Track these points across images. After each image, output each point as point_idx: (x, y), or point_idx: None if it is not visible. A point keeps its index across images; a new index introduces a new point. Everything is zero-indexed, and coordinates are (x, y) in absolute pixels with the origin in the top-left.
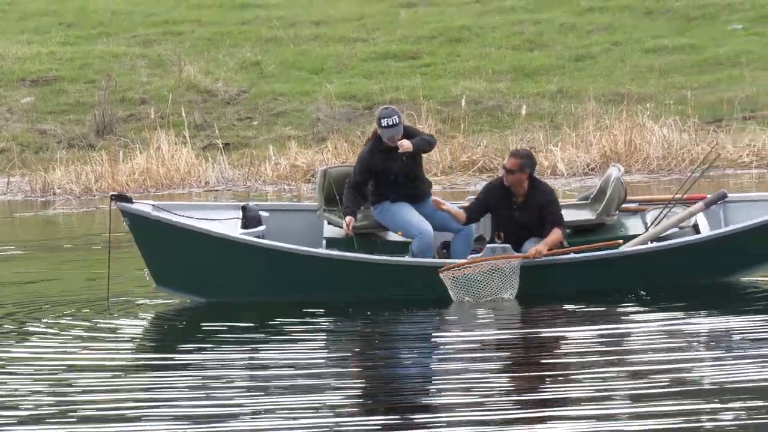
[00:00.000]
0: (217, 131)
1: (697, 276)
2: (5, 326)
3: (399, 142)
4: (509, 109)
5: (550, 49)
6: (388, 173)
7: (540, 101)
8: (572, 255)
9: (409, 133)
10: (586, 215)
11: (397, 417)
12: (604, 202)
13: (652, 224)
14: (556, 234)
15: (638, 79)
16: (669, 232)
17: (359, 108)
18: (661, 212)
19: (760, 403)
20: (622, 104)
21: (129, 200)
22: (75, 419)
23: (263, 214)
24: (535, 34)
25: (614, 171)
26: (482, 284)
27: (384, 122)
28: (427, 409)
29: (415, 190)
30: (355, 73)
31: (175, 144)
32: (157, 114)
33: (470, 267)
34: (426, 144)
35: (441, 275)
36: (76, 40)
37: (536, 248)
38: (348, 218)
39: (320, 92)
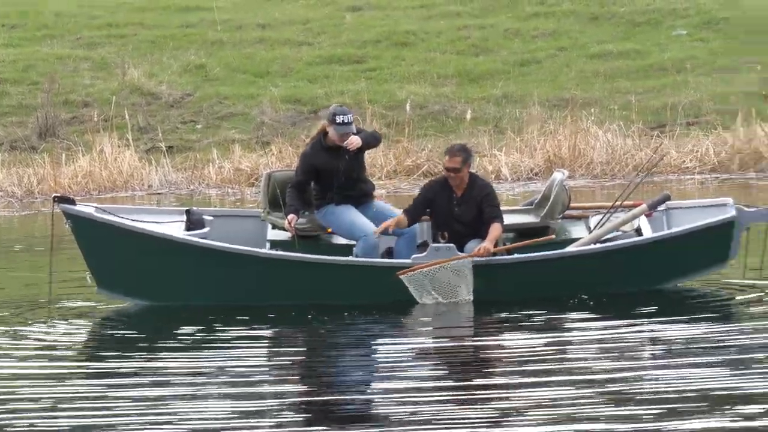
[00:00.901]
0: (160, 134)
1: (638, 280)
2: None
3: (347, 141)
4: (454, 113)
5: (495, 54)
6: (331, 172)
7: (485, 106)
8: (515, 255)
9: (357, 134)
10: (529, 219)
11: (337, 425)
12: (547, 206)
13: (596, 227)
14: (496, 229)
15: (583, 84)
16: (612, 234)
17: (304, 112)
18: (603, 216)
19: (703, 409)
20: (567, 109)
21: (72, 202)
22: (12, 428)
23: (207, 218)
24: (481, 39)
25: (558, 175)
26: (444, 284)
27: (339, 119)
28: (364, 417)
29: (359, 192)
30: (300, 77)
31: (119, 147)
32: (101, 117)
33: (431, 267)
34: (373, 138)
35: (401, 277)
36: (19, 41)
37: (483, 246)
38: (290, 216)
39: (265, 96)
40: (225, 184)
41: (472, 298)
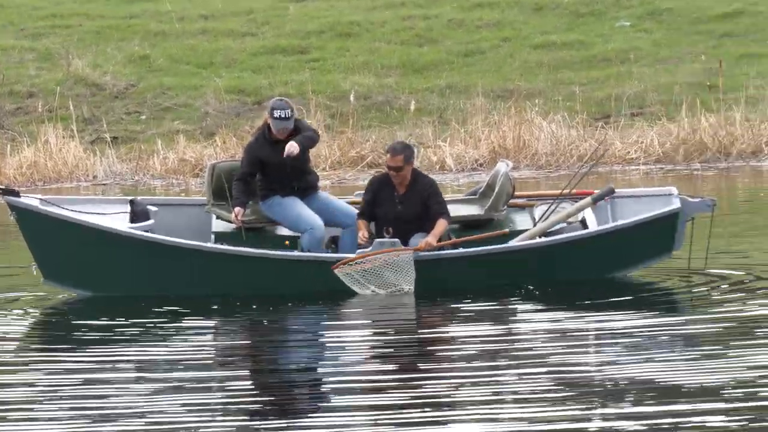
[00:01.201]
0: (105, 125)
1: (584, 272)
2: None
3: (286, 148)
4: (398, 104)
5: (440, 44)
6: (276, 165)
7: (429, 96)
8: (461, 250)
9: (296, 127)
10: (474, 210)
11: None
12: (492, 198)
13: (540, 219)
14: (441, 225)
15: (527, 75)
16: (557, 227)
17: (248, 102)
18: (549, 207)
19: (646, 398)
20: (511, 100)
21: (16, 194)
22: None
23: (151, 208)
24: (425, 30)
25: (503, 166)
26: (378, 278)
27: (276, 113)
28: (308, 411)
29: (304, 183)
30: (244, 68)
31: (63, 138)
32: (45, 107)
33: (364, 262)
34: (309, 141)
35: (335, 271)
36: None
37: (426, 240)
38: (237, 209)
39: (209, 87)
40: (169, 175)
41: (412, 290)
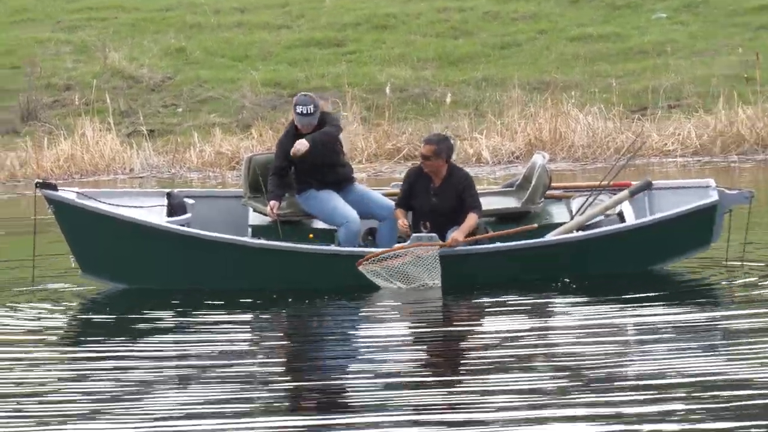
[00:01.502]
0: (141, 118)
1: (622, 265)
2: None
3: (292, 150)
4: (434, 96)
5: (475, 36)
6: (304, 159)
7: (465, 89)
8: (497, 244)
9: (322, 122)
10: (511, 203)
11: (314, 411)
12: (529, 190)
13: (577, 212)
14: (472, 219)
15: (563, 67)
16: (594, 220)
17: (284, 95)
18: (586, 200)
19: (687, 393)
20: (547, 92)
21: (54, 187)
22: None
23: (188, 201)
24: (460, 22)
25: (539, 158)
26: (403, 274)
27: (299, 109)
28: (341, 403)
29: (337, 176)
30: (280, 60)
31: (100, 130)
32: (82, 100)
33: (388, 258)
34: (324, 136)
35: (359, 268)
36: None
37: (452, 237)
38: (272, 202)
39: (245, 79)
40: (206, 168)
41: (438, 286)
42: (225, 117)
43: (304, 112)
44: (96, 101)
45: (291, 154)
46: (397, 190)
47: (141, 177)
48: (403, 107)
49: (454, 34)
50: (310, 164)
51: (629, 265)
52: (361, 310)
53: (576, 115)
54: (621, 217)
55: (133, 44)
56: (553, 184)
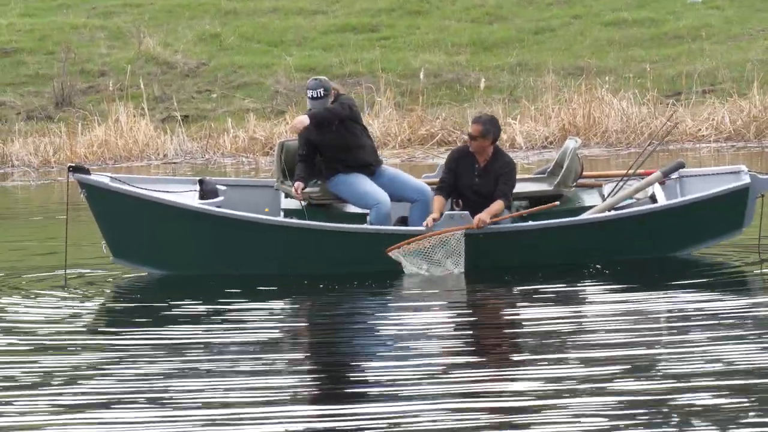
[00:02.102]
0: (175, 103)
1: (653, 249)
2: None
3: (290, 124)
4: (468, 82)
5: (510, 22)
6: (322, 145)
7: (499, 74)
8: (528, 223)
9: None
10: (543, 187)
11: (346, 400)
12: (561, 174)
13: (609, 195)
14: (498, 204)
15: (598, 53)
16: (625, 202)
17: None
18: (617, 185)
19: (720, 382)
20: (582, 77)
21: (86, 172)
22: (29, 399)
23: (220, 188)
24: (495, 7)
25: (571, 143)
26: (430, 258)
27: (309, 93)
28: (375, 393)
29: (358, 161)
30: (315, 46)
31: (134, 116)
32: (116, 86)
33: (415, 243)
34: (328, 113)
35: (389, 254)
36: (35, 11)
37: (478, 217)
38: (297, 183)
39: (279, 65)
40: (240, 153)
41: (462, 271)
42: (259, 102)
43: (314, 96)
44: (130, 87)
45: (288, 131)
46: (430, 180)
47: (174, 162)
48: (437, 93)
49: (489, 20)
50: (327, 149)
51: (661, 249)
52: (390, 296)
53: (610, 101)
54: (653, 200)
55: (168, 30)
56: (584, 173)
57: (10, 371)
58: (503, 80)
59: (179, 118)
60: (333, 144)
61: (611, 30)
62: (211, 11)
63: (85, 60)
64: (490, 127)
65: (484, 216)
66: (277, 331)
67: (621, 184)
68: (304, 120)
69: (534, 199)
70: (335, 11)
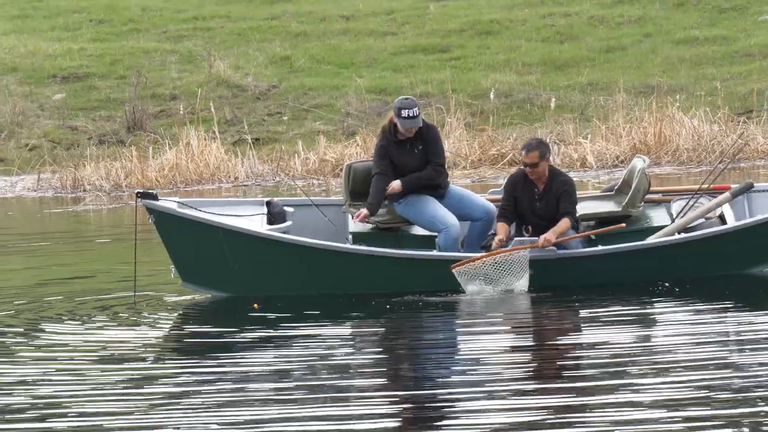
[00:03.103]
0: (246, 126)
1: (723, 268)
2: (33, 319)
3: (389, 188)
4: (539, 101)
5: (581, 41)
6: (401, 166)
7: (570, 93)
8: (599, 247)
9: (426, 137)
10: (611, 207)
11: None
12: (629, 194)
13: (678, 215)
14: (564, 223)
15: (669, 71)
16: (695, 223)
17: (389, 102)
18: (687, 203)
19: None
20: (653, 96)
21: (154, 197)
22: (92, 414)
23: (288, 209)
24: (565, 27)
25: (639, 162)
26: (492, 277)
27: (404, 113)
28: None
29: (433, 183)
30: (385, 67)
31: (205, 139)
32: (187, 110)
33: (480, 260)
34: (422, 181)
35: (453, 271)
36: (106, 36)
37: (544, 237)
38: (363, 211)
39: (350, 86)
40: (310, 175)
41: (525, 290)
42: (330, 125)
43: (410, 115)
44: (201, 110)
45: (388, 191)
46: (495, 197)
47: (245, 185)
48: (508, 113)
49: (560, 39)
50: (405, 172)
51: (731, 267)
52: (455, 319)
53: (681, 119)
54: (722, 219)
55: (239, 53)
56: (652, 188)
57: (78, 393)
58: (574, 99)
59: (250, 141)
60: (413, 167)
61: (682, 48)
62: (282, 34)
63: (156, 84)
64: (544, 150)
65: (550, 235)
66: (346, 357)
67: (691, 202)
68: (398, 188)
69: (602, 219)
70: (405, 32)
